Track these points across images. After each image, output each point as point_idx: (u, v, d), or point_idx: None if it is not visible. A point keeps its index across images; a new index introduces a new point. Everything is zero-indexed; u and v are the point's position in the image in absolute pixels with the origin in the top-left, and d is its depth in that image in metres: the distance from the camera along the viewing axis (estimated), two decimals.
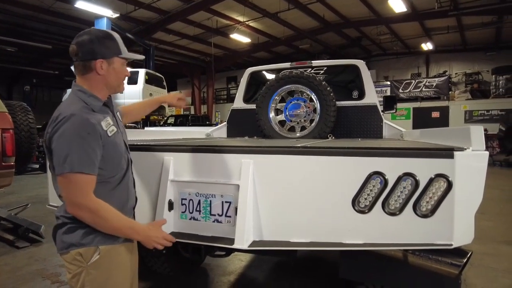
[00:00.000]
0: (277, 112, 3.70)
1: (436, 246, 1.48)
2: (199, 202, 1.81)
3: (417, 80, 17.54)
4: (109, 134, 1.38)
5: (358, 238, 1.56)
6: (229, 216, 1.74)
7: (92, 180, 1.31)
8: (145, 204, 1.90)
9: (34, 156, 8.12)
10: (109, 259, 1.38)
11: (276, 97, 3.64)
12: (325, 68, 3.91)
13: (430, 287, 1.64)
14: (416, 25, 15.16)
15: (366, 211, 1.54)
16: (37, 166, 10.41)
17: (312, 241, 1.62)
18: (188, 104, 23.40)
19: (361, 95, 3.71)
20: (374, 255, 1.64)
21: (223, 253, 2.57)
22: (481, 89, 16.82)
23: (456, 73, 18.21)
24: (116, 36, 1.45)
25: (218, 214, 1.77)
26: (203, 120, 17.39)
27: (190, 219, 1.83)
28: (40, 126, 9.24)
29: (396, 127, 3.56)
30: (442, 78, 16.94)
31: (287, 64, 4.07)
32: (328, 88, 3.44)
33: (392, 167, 1.50)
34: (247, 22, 14.99)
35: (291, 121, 3.63)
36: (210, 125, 14.30)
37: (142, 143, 2.06)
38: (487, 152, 1.47)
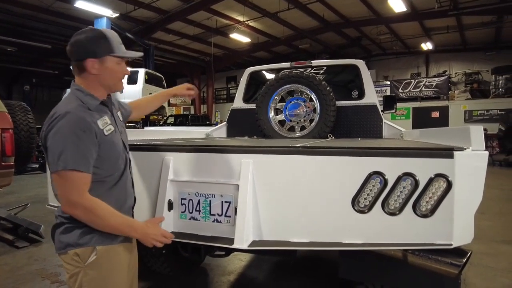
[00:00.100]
0: (277, 112, 3.69)
1: (436, 246, 1.48)
2: (198, 202, 1.81)
3: (416, 80, 17.53)
4: (106, 133, 1.38)
5: (357, 238, 1.56)
6: (229, 216, 1.74)
7: (87, 178, 1.30)
8: (145, 204, 1.89)
9: (33, 156, 8.12)
10: (106, 259, 1.38)
11: (275, 97, 3.63)
12: (325, 68, 3.90)
13: (430, 287, 1.64)
14: (416, 25, 15.16)
15: (366, 211, 1.54)
16: (37, 166, 10.43)
17: (311, 241, 1.61)
18: (188, 104, 23.39)
19: (361, 95, 3.70)
20: (373, 255, 1.64)
21: (223, 253, 2.57)
22: (480, 89, 16.82)
23: (455, 73, 18.21)
24: (111, 34, 1.42)
25: (218, 214, 1.77)
26: (202, 120, 17.39)
27: (190, 219, 1.83)
28: (40, 126, 9.19)
29: (396, 127, 3.56)
30: (442, 78, 16.94)
31: (287, 64, 4.06)
32: (328, 88, 3.43)
33: (391, 167, 1.50)
34: (247, 22, 14.98)
35: (290, 120, 3.62)
36: (210, 125, 14.32)
37: (141, 143, 2.06)
38: (487, 152, 1.47)
